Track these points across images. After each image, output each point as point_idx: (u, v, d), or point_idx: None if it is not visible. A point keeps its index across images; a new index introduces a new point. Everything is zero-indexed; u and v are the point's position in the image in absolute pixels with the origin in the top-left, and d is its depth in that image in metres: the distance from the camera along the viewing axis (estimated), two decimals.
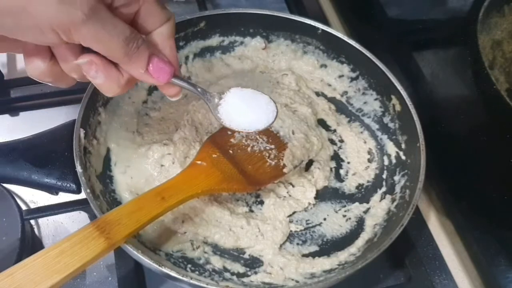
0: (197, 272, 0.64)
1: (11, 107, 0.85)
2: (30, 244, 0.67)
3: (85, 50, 0.47)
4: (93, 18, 0.42)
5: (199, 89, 0.56)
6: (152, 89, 0.81)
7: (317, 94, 0.85)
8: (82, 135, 0.65)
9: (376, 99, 0.81)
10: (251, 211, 0.71)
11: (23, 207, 0.71)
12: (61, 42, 0.44)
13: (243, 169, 0.67)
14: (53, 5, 0.40)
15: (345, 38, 0.81)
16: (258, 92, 0.58)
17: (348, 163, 0.78)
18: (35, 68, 0.48)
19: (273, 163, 0.70)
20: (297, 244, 0.69)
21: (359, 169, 0.77)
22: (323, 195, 0.74)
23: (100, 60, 0.47)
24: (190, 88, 0.55)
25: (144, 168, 0.71)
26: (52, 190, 0.67)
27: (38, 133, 0.68)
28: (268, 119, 0.58)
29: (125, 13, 0.47)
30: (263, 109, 0.58)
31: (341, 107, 0.85)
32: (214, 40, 0.85)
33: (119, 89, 0.50)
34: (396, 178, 0.74)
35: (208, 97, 0.57)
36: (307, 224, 0.71)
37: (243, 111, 0.57)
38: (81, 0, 0.41)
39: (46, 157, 0.66)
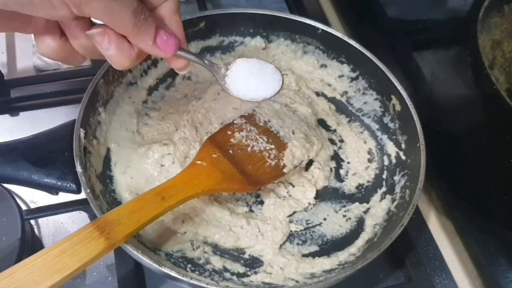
0: (197, 272, 0.64)
1: (11, 107, 0.85)
2: (30, 244, 0.67)
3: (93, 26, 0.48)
4: None
5: (205, 61, 0.57)
6: (152, 89, 0.81)
7: (317, 94, 0.85)
8: (82, 135, 0.65)
9: (376, 99, 0.81)
10: (251, 211, 0.71)
11: (23, 207, 0.71)
12: (72, 16, 0.44)
13: (243, 169, 0.67)
14: None
15: (345, 38, 0.81)
16: (264, 62, 0.59)
17: (348, 163, 0.78)
18: (46, 46, 0.49)
19: (273, 163, 0.70)
20: (297, 244, 0.69)
21: (359, 169, 0.77)
22: (323, 195, 0.74)
23: (112, 30, 0.48)
24: (196, 60, 0.55)
25: (144, 168, 0.71)
26: (52, 190, 0.67)
27: (38, 133, 0.68)
28: (275, 88, 0.59)
29: None
30: (269, 78, 0.59)
31: (341, 107, 0.85)
32: (214, 40, 0.85)
33: (129, 61, 0.51)
34: (396, 178, 0.74)
35: (215, 68, 0.58)
36: (307, 224, 0.71)
37: (249, 80, 0.58)
38: None
39: (46, 157, 0.66)
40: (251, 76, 0.58)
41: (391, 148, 0.78)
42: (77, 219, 0.73)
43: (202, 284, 0.55)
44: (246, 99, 0.58)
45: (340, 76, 0.85)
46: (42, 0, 0.42)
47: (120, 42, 0.49)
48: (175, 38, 0.51)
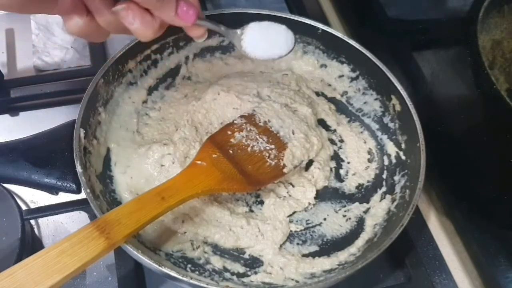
0: (197, 272, 0.64)
1: (11, 107, 0.85)
2: (30, 244, 0.67)
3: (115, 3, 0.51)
4: None
5: (222, 28, 0.60)
6: (152, 89, 0.81)
7: (317, 94, 0.85)
8: (82, 135, 0.65)
9: (376, 99, 0.81)
10: (251, 211, 0.71)
11: (23, 207, 0.71)
12: None
13: (243, 169, 0.67)
14: None
15: (345, 38, 0.81)
16: (275, 23, 0.62)
17: (348, 163, 0.78)
18: (74, 24, 0.52)
19: (273, 163, 0.70)
20: (297, 244, 0.69)
21: (359, 169, 0.77)
22: (323, 195, 0.74)
23: (135, 5, 0.50)
24: (214, 27, 0.58)
25: (144, 168, 0.71)
26: (52, 190, 0.67)
27: (38, 133, 0.68)
28: (288, 46, 0.62)
29: None
30: (282, 37, 0.61)
31: (341, 107, 0.85)
32: (214, 40, 0.85)
33: (153, 33, 0.54)
34: (396, 178, 0.74)
35: (231, 33, 0.60)
36: (307, 224, 0.71)
37: (264, 41, 0.61)
38: None
39: (46, 157, 0.66)
40: (265, 37, 0.61)
41: (391, 148, 0.78)
42: (77, 219, 0.73)
43: (202, 284, 0.55)
44: (263, 58, 0.62)
45: (340, 76, 0.85)
46: None
47: (143, 16, 0.52)
48: (195, 8, 0.54)
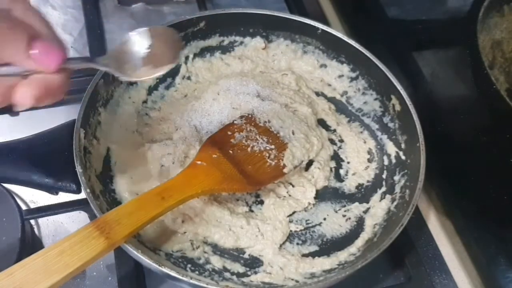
0: (197, 272, 0.64)
1: (11, 107, 0.84)
2: (30, 244, 0.67)
3: None
4: None
5: (98, 60, 0.49)
6: (152, 89, 0.81)
7: (317, 94, 0.85)
8: (82, 135, 0.65)
9: (376, 99, 0.81)
10: (251, 211, 0.71)
11: (23, 207, 0.71)
12: None
13: (243, 169, 0.67)
14: None
15: (345, 38, 0.81)
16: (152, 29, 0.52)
17: (348, 163, 0.78)
18: None
19: (273, 163, 0.70)
20: (297, 244, 0.69)
21: (359, 169, 0.77)
22: (323, 195, 0.74)
23: None
24: (86, 65, 0.48)
25: (144, 168, 0.71)
26: (52, 190, 0.67)
27: (38, 133, 0.68)
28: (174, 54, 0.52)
29: None
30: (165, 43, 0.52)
31: (341, 107, 0.85)
32: (214, 40, 0.85)
33: None
34: (396, 178, 0.74)
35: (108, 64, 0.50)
36: (307, 224, 0.71)
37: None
38: None
39: (46, 157, 0.66)
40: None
41: (391, 148, 0.78)
42: (77, 219, 0.73)
43: (202, 284, 0.55)
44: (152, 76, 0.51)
45: (340, 76, 0.85)
46: None
47: None
48: (60, 47, 0.44)
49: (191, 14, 0.80)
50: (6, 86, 0.44)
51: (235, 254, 0.67)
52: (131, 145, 0.73)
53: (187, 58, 0.84)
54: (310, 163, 0.75)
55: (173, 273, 0.55)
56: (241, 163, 0.68)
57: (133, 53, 0.50)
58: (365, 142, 0.80)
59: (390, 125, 0.79)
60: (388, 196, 0.73)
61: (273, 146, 0.71)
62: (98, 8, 0.99)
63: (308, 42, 0.85)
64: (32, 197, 0.75)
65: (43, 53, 0.42)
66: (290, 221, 0.70)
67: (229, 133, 0.71)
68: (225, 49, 0.86)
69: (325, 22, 0.98)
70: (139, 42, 0.50)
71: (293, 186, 0.73)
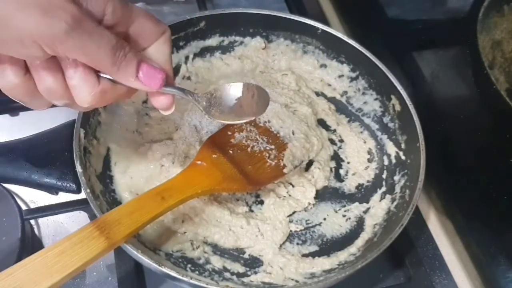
0: (197, 272, 0.64)
1: (11, 107, 0.85)
2: (30, 244, 0.67)
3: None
4: (78, 29, 0.41)
5: (191, 97, 0.54)
6: None
7: (317, 94, 0.85)
8: (82, 135, 0.65)
9: (376, 99, 0.81)
10: (251, 211, 0.71)
11: (23, 207, 0.71)
12: (44, 55, 0.42)
13: (243, 169, 0.67)
14: (37, 17, 0.39)
15: (345, 38, 0.81)
16: (251, 85, 0.58)
17: (348, 163, 0.78)
18: (7, 81, 0.45)
19: (273, 163, 0.70)
20: (297, 244, 0.69)
21: (359, 169, 0.77)
22: (323, 195, 0.74)
23: (84, 64, 0.45)
24: (179, 94, 0.53)
25: (144, 168, 0.71)
26: (52, 190, 0.67)
27: (38, 133, 0.68)
28: (262, 108, 0.59)
29: (116, 32, 0.46)
30: (257, 97, 0.58)
31: (341, 107, 0.85)
32: (214, 40, 0.85)
33: (91, 97, 0.47)
34: (396, 178, 0.74)
35: (200, 100, 0.55)
36: (307, 224, 0.71)
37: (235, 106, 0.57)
38: (65, 11, 0.40)
39: (46, 157, 0.66)
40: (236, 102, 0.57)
41: (391, 148, 0.78)
42: (77, 219, 0.73)
43: (202, 284, 0.55)
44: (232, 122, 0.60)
45: (340, 76, 0.85)
46: (12, 38, 0.40)
47: (86, 73, 0.46)
48: (161, 72, 0.49)
49: (191, 14, 0.80)
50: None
51: (235, 254, 0.67)
52: (131, 145, 0.73)
53: (187, 58, 0.84)
54: (310, 163, 0.75)
55: (173, 273, 0.55)
56: (241, 163, 0.68)
57: (223, 100, 0.56)
58: (365, 142, 0.80)
59: (390, 125, 0.79)
60: (388, 196, 0.73)
61: (273, 146, 0.71)
62: None
63: (308, 42, 0.85)
64: (32, 197, 0.75)
65: (148, 76, 0.48)
66: (290, 221, 0.70)
67: (229, 133, 0.71)
68: (225, 49, 0.86)
69: (325, 22, 0.98)
70: (231, 93, 0.57)
71: (293, 186, 0.73)
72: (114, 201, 0.68)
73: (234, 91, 0.57)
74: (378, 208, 0.72)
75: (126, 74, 0.47)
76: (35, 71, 0.45)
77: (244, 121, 0.58)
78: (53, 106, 0.51)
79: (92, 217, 0.69)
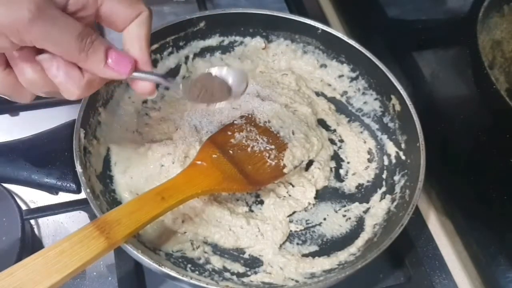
0: (197, 272, 0.64)
1: (11, 107, 0.85)
2: (30, 244, 0.67)
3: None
4: (42, 17, 0.41)
5: (168, 79, 0.54)
6: None
7: (317, 94, 0.85)
8: (82, 135, 0.65)
9: (376, 99, 0.81)
10: (251, 211, 0.71)
11: (23, 207, 0.71)
12: (12, 46, 0.42)
13: (243, 169, 0.67)
14: (0, 7, 0.39)
15: (345, 38, 0.81)
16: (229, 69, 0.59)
17: (348, 163, 0.78)
18: None
19: (273, 163, 0.70)
20: (297, 244, 0.69)
21: (359, 169, 0.77)
22: (323, 195, 0.74)
23: (61, 58, 0.46)
24: (156, 79, 0.53)
25: (144, 168, 0.71)
26: (52, 190, 0.67)
27: (38, 133, 0.68)
28: (240, 89, 0.58)
29: (83, 16, 0.46)
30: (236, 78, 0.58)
31: (341, 107, 0.85)
32: (214, 40, 0.85)
33: (79, 90, 0.48)
34: (396, 178, 0.74)
35: (173, 85, 0.56)
36: (307, 224, 0.71)
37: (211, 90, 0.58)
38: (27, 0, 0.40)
39: (46, 157, 0.66)
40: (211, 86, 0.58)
41: (391, 148, 0.78)
42: (77, 219, 0.73)
43: (202, 284, 0.55)
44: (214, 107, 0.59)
45: (340, 76, 0.85)
46: None
47: (69, 69, 0.46)
48: (130, 58, 0.49)
49: (191, 14, 0.80)
50: None
51: (235, 254, 0.67)
52: (131, 145, 0.73)
53: (187, 58, 0.84)
54: (310, 163, 0.75)
55: (173, 273, 0.55)
56: (241, 163, 0.68)
57: (204, 85, 0.57)
58: (365, 142, 0.80)
59: (390, 125, 0.79)
60: (388, 196, 0.73)
61: (273, 146, 0.71)
62: None
63: (308, 42, 0.85)
64: (32, 197, 0.75)
65: (116, 63, 0.48)
66: (290, 221, 0.70)
67: (229, 133, 0.71)
68: (225, 49, 0.86)
69: (325, 22, 0.98)
70: (210, 77, 0.57)
71: (293, 186, 0.73)
72: (114, 201, 0.68)
73: (213, 74, 0.57)
74: (378, 208, 0.72)
75: (95, 62, 0.46)
76: (14, 64, 0.46)
77: (217, 106, 0.58)
78: (41, 98, 0.51)
79: (92, 217, 0.69)
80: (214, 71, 0.57)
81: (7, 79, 0.46)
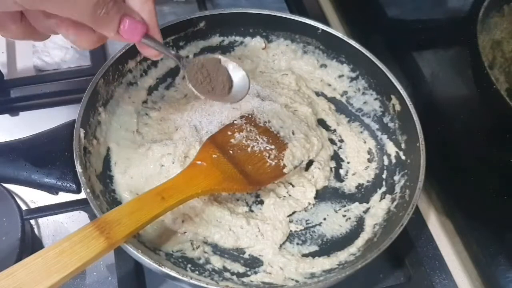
0: (197, 272, 0.64)
1: (11, 107, 0.85)
2: (30, 244, 0.67)
3: None
4: None
5: (172, 52, 0.56)
6: (152, 89, 0.81)
7: (317, 94, 0.85)
8: (82, 135, 0.65)
9: (376, 99, 0.82)
10: (251, 211, 0.71)
11: (23, 207, 0.71)
12: (26, 9, 0.44)
13: (243, 169, 0.67)
14: None
15: (345, 38, 0.81)
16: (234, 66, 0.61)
17: (348, 163, 0.78)
18: (8, 31, 0.49)
19: (273, 163, 0.70)
20: (297, 244, 0.69)
21: (359, 169, 0.77)
22: (323, 195, 0.74)
23: (69, 20, 0.47)
24: (162, 50, 0.55)
25: (144, 168, 0.71)
26: (52, 190, 0.67)
27: (38, 133, 0.68)
28: (242, 93, 0.61)
29: None
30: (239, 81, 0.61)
31: (341, 107, 0.85)
32: (214, 40, 0.85)
33: (91, 44, 0.51)
34: (396, 178, 0.74)
35: (184, 62, 0.58)
36: (307, 224, 0.71)
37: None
38: None
39: (46, 157, 0.66)
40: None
41: (391, 148, 0.78)
42: (77, 219, 0.73)
43: (202, 284, 0.55)
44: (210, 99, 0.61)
45: (340, 76, 0.85)
46: None
47: (78, 29, 0.49)
48: (142, 26, 0.51)
49: (191, 14, 0.80)
50: None
51: (235, 254, 0.67)
52: (131, 145, 0.73)
53: (187, 58, 0.83)
54: (310, 163, 0.75)
55: (173, 273, 0.55)
56: (241, 163, 0.68)
57: (214, 76, 0.59)
58: (365, 142, 0.80)
59: (390, 125, 0.79)
60: (388, 196, 0.73)
61: (273, 146, 0.71)
62: None
63: (308, 42, 0.85)
64: (32, 197, 0.75)
65: (129, 31, 0.50)
66: (290, 221, 0.70)
67: (229, 133, 0.71)
68: (225, 49, 0.86)
69: (325, 22, 0.98)
70: (223, 70, 0.60)
71: (293, 186, 0.73)
72: (114, 201, 0.68)
73: (222, 62, 0.59)
74: (378, 208, 0.72)
75: (107, 29, 0.49)
76: (29, 15, 0.49)
77: (219, 102, 0.60)
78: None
79: (92, 217, 0.69)
80: (223, 60, 0.59)
81: (25, 28, 0.50)
